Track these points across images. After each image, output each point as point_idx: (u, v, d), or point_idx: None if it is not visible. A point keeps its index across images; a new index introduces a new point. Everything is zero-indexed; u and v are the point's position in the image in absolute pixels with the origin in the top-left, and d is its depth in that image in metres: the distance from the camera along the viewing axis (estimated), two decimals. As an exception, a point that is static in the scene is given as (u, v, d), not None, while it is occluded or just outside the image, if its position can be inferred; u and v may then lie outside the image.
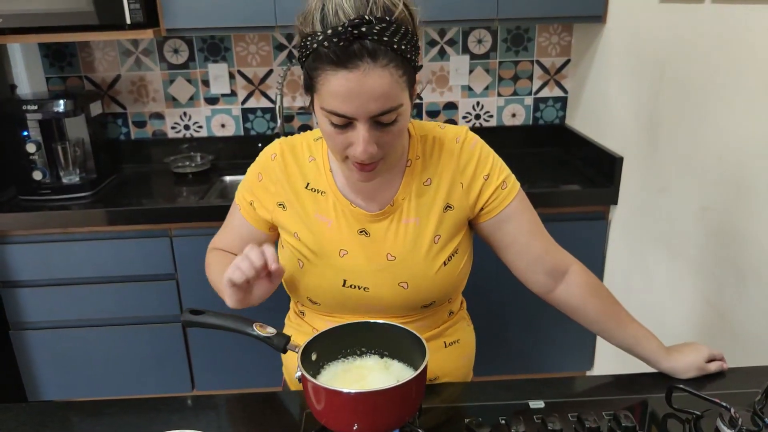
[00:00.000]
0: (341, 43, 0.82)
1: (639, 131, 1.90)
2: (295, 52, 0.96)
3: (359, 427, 0.77)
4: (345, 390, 0.75)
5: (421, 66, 0.93)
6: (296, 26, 0.90)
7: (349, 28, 0.81)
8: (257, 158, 1.13)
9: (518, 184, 1.12)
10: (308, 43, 0.86)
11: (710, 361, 1.07)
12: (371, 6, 0.84)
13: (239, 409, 1.02)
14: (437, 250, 1.07)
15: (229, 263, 0.94)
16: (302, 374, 0.79)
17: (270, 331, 0.86)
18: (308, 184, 1.09)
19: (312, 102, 0.94)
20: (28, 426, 0.98)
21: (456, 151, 1.09)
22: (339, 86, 0.85)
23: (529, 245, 1.11)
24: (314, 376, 0.88)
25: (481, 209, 1.10)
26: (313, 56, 0.86)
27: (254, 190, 1.11)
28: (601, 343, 2.26)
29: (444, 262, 1.08)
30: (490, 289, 2.14)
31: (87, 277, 2.07)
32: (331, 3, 0.84)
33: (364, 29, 0.82)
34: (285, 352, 0.87)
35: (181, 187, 2.26)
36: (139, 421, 0.99)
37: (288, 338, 0.88)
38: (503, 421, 0.96)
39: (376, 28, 0.83)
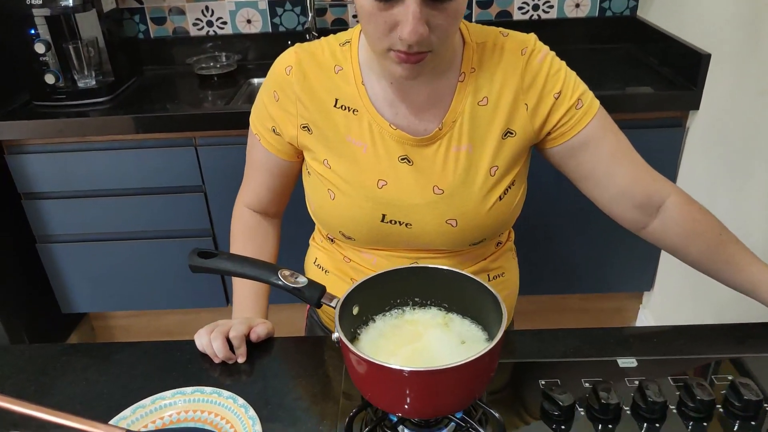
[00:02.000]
0: None
1: (735, 23, 1.59)
2: None
3: (411, 407, 0.60)
4: (396, 367, 0.57)
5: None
6: None
7: None
8: (269, 73, 0.92)
9: (597, 103, 0.90)
10: None
11: None
12: None
13: (265, 358, 0.87)
14: (492, 184, 0.88)
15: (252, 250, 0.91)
16: (341, 341, 0.61)
17: (301, 280, 0.68)
18: (337, 101, 0.88)
19: None
20: (26, 373, 0.85)
21: (520, 65, 0.86)
22: None
23: (612, 175, 0.89)
24: (356, 333, 0.71)
25: (549, 133, 0.89)
26: None
27: (273, 113, 0.92)
28: (666, 260, 2.06)
29: (500, 197, 0.89)
30: (537, 200, 1.92)
31: (110, 189, 1.94)
32: None
33: None
34: (319, 306, 0.69)
35: (205, 90, 2.06)
36: (150, 369, 0.85)
37: (322, 289, 0.69)
38: (588, 385, 0.78)
39: None
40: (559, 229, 2.05)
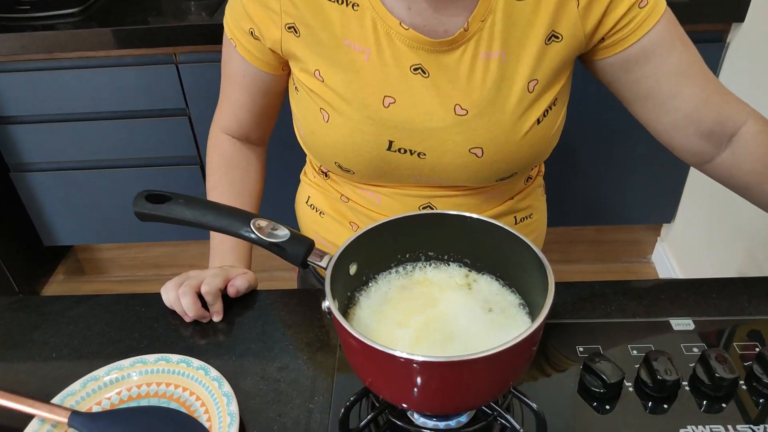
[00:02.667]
0: None
1: None
2: None
3: (423, 400, 0.46)
4: (404, 356, 0.42)
5: None
6: None
7: None
8: None
9: (664, 2, 0.71)
10: None
11: None
12: None
13: (248, 315, 0.73)
14: (530, 102, 0.70)
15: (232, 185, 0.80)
16: (332, 314, 0.46)
17: (281, 233, 0.52)
18: None
19: None
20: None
21: None
22: None
23: (677, 95, 0.72)
24: (354, 298, 0.56)
25: (603, 39, 0.70)
26: None
27: (251, 11, 0.73)
28: (691, 191, 1.91)
29: (538, 120, 0.71)
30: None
31: (84, 113, 1.77)
32: None
33: None
34: (305, 266, 0.53)
35: (186, 0, 1.83)
36: (108, 329, 0.71)
37: (309, 245, 0.53)
38: (636, 353, 0.64)
39: None
40: (576, 158, 1.88)
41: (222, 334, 0.71)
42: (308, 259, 0.52)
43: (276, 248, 0.51)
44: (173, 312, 0.73)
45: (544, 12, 0.68)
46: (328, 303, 0.47)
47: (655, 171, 1.89)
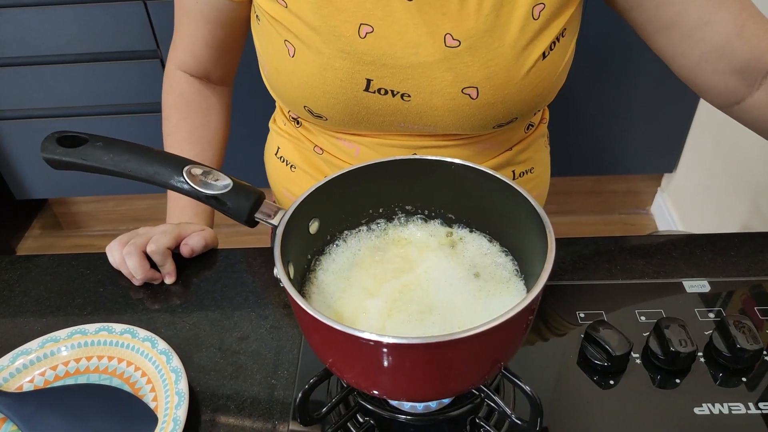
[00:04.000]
0: None
1: None
2: None
3: (396, 390, 0.38)
4: (372, 337, 0.33)
5: None
6: None
7: None
8: None
9: None
10: None
11: None
12: None
13: (206, 278, 0.65)
14: (535, 31, 0.59)
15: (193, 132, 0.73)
16: (283, 285, 0.37)
17: (219, 183, 0.42)
18: None
19: None
20: None
21: None
22: None
23: (708, 23, 0.61)
24: (315, 261, 0.47)
25: None
26: None
27: None
28: (694, 138, 1.82)
29: (543, 53, 0.61)
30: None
31: (48, 56, 1.64)
32: None
33: None
34: (252, 223, 0.44)
35: (155, -71, 1.69)
36: (47, 294, 0.63)
37: (257, 197, 0.43)
38: (644, 319, 0.56)
39: None
40: (573, 103, 1.78)
41: (175, 298, 0.63)
42: (256, 215, 0.43)
43: (214, 201, 0.42)
44: (121, 274, 0.64)
45: None
46: (277, 269, 0.38)
47: (658, 118, 1.80)
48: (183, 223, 0.68)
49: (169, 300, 0.62)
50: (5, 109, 1.75)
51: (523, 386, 0.40)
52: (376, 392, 0.39)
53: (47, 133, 1.61)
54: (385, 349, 0.34)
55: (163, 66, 1.65)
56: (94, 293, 0.63)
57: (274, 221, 0.42)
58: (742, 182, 1.55)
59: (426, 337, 0.33)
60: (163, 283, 0.64)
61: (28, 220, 2.09)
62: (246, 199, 0.42)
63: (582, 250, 0.65)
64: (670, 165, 1.96)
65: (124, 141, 0.45)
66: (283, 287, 0.37)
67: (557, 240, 0.58)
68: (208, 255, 0.67)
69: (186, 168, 0.42)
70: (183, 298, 0.62)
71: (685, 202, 1.94)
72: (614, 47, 1.63)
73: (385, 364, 0.35)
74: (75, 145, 0.44)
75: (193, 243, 0.64)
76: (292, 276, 0.42)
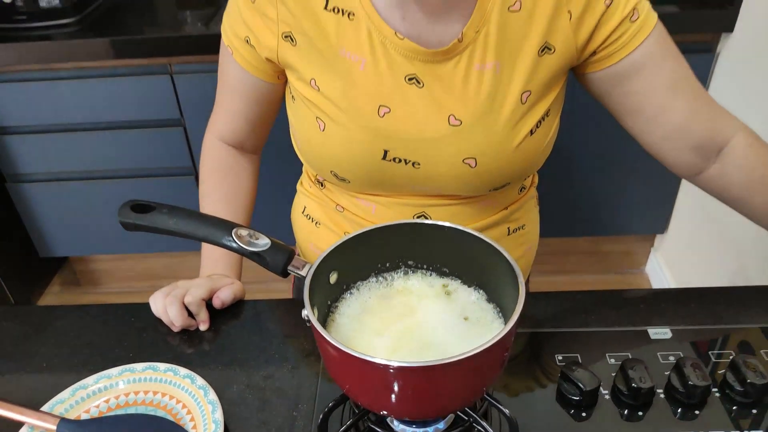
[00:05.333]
0: None
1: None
2: None
3: (400, 406, 0.48)
4: (381, 362, 0.43)
5: None
6: None
7: None
8: None
9: (655, 16, 0.72)
10: None
11: None
12: None
13: (234, 325, 0.74)
14: (523, 113, 0.72)
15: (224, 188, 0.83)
16: (311, 323, 0.47)
17: (261, 242, 0.53)
18: (328, 2, 0.70)
19: None
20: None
21: None
22: None
23: (668, 109, 0.73)
24: (333, 306, 0.57)
25: (595, 53, 0.72)
26: None
27: (248, 20, 0.74)
28: (684, 201, 1.92)
29: (531, 130, 0.72)
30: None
31: (79, 123, 1.78)
32: None
33: None
34: (285, 274, 0.55)
35: (183, 10, 1.86)
36: (97, 339, 0.73)
37: (289, 253, 0.54)
38: (613, 361, 0.66)
39: None
40: (570, 168, 1.90)
41: (208, 343, 0.72)
42: (288, 267, 0.54)
43: (257, 257, 0.52)
44: (161, 321, 0.74)
45: (537, 24, 0.70)
46: (306, 311, 0.49)
47: (648, 181, 1.91)
48: (216, 275, 0.78)
49: (204, 344, 0.72)
50: (36, 172, 1.88)
51: (502, 409, 0.49)
52: (384, 412, 0.48)
53: (74, 195, 1.75)
54: (391, 371, 0.43)
55: (186, 133, 1.79)
56: (139, 338, 0.73)
57: (303, 272, 0.53)
58: (728, 242, 1.64)
59: (423, 362, 0.43)
60: (198, 329, 0.73)
61: (49, 276, 2.18)
62: (281, 255, 0.53)
63: (562, 302, 0.75)
64: (662, 226, 2.06)
65: (184, 208, 0.56)
66: (311, 325, 0.47)
67: (540, 293, 0.68)
68: (237, 305, 0.77)
69: (234, 230, 0.53)
70: (215, 343, 0.72)
71: (676, 262, 2.03)
72: (606, 117, 1.76)
73: (391, 385, 0.44)
74: (145, 211, 0.55)
75: (224, 296, 0.74)
76: (316, 317, 0.52)
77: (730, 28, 1.61)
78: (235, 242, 0.52)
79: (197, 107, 1.74)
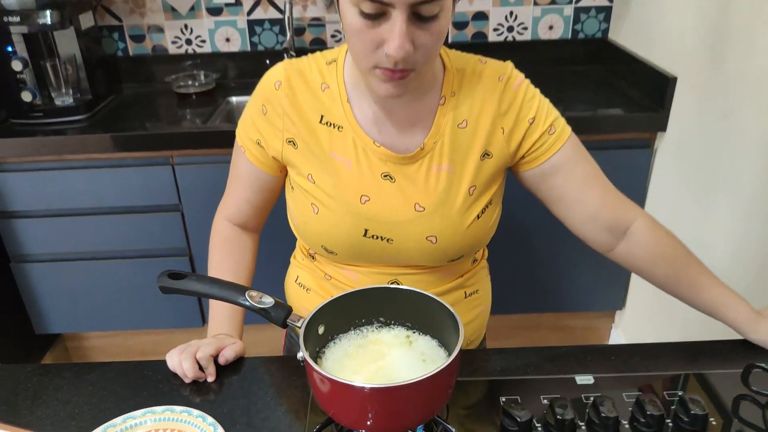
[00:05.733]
0: None
1: (699, 47, 1.65)
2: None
3: (374, 423, 0.63)
4: (358, 384, 0.60)
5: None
6: None
7: None
8: (257, 87, 0.95)
9: (569, 129, 0.94)
10: None
11: None
12: None
13: (235, 378, 0.89)
14: (471, 203, 0.91)
15: (231, 266, 0.98)
16: (305, 360, 0.63)
17: (267, 301, 0.70)
18: (322, 117, 0.91)
19: None
20: (-2, 395, 0.86)
21: (498, 91, 0.91)
22: None
23: (582, 199, 0.94)
24: (321, 351, 0.73)
25: (523, 157, 0.93)
26: None
27: (259, 126, 0.94)
28: (637, 280, 2.10)
29: (477, 215, 0.92)
30: (512, 220, 1.97)
31: (86, 208, 1.94)
32: None
33: None
34: (285, 326, 0.71)
35: (183, 109, 2.08)
36: (121, 388, 0.86)
37: (289, 310, 0.72)
38: (546, 402, 0.81)
39: None
40: (532, 249, 2.08)
41: (214, 393, 0.86)
42: (287, 320, 0.70)
43: (264, 312, 0.69)
44: (175, 374, 0.88)
45: (479, 137, 0.91)
46: (301, 353, 0.65)
47: (603, 260, 2.08)
48: (221, 335, 0.93)
49: (211, 393, 0.86)
50: (40, 252, 2.01)
51: (449, 427, 0.64)
52: (363, 430, 0.63)
53: (73, 274, 1.91)
54: (366, 391, 0.59)
55: (183, 217, 1.95)
56: (156, 388, 0.87)
57: (299, 324, 0.69)
58: (677, 317, 1.81)
59: (388, 384, 0.59)
60: (206, 380, 0.88)
61: (42, 352, 2.25)
62: (282, 311, 0.70)
63: (511, 358, 0.91)
64: (620, 303, 2.22)
65: (207, 276, 0.73)
66: (305, 363, 0.63)
67: (496, 350, 0.84)
68: (239, 361, 0.91)
69: (247, 292, 0.70)
70: (221, 392, 0.86)
71: (636, 336, 2.16)
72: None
73: (367, 404, 0.60)
74: (178, 278, 0.72)
75: (227, 354, 0.89)
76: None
77: (663, 128, 1.85)
78: (248, 301, 0.69)
79: (194, 194, 1.92)
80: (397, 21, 0.74)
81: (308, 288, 1.03)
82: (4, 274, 2.03)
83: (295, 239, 1.07)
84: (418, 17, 0.75)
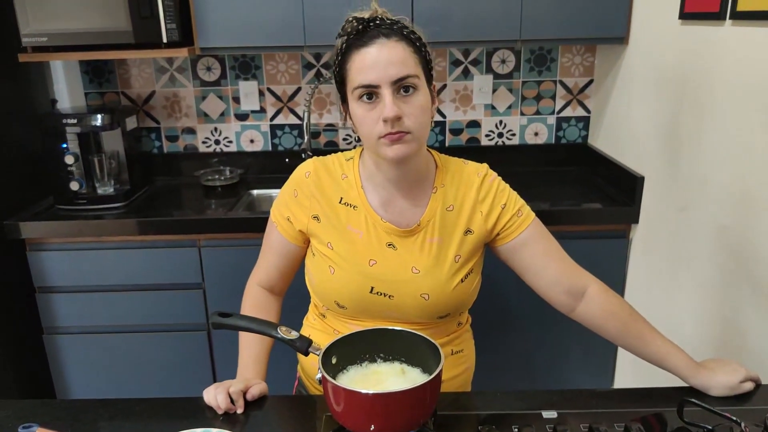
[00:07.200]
0: (360, 28, 1.03)
1: (659, 151, 1.92)
2: (330, 66, 1.13)
3: (375, 427, 0.81)
4: (363, 391, 0.79)
5: (432, 67, 1.10)
6: (335, 48, 1.08)
7: (366, 21, 1.03)
8: (291, 177, 1.20)
9: (533, 214, 1.19)
10: (339, 49, 1.06)
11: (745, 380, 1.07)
12: (383, 15, 1.05)
13: (259, 411, 1.06)
14: (456, 268, 1.14)
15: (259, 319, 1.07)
16: (323, 375, 0.83)
17: (294, 334, 0.91)
18: (341, 198, 1.16)
19: (347, 106, 1.07)
20: (62, 420, 1.04)
21: (476, 183, 1.17)
22: (362, 60, 1.02)
23: (546, 268, 1.16)
24: (334, 378, 0.92)
25: (498, 234, 1.17)
26: (342, 52, 1.05)
27: (290, 206, 1.18)
28: (621, 358, 2.26)
29: (461, 279, 1.14)
30: (505, 303, 2.16)
31: (118, 285, 2.13)
32: (353, 16, 1.06)
33: (378, 21, 1.03)
34: (307, 354, 0.92)
35: (210, 199, 2.33)
36: (165, 418, 1.04)
37: (310, 341, 0.93)
38: (516, 429, 0.98)
39: (387, 21, 1.04)
40: (520, 327, 2.24)
41: (242, 423, 1.04)
42: (309, 349, 0.90)
43: (291, 342, 0.89)
44: (210, 408, 1.06)
45: (462, 217, 1.15)
46: (320, 374, 0.84)
47: (587, 339, 2.22)
48: (249, 377, 1.12)
49: (240, 422, 1.03)
50: (72, 325, 2.19)
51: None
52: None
53: (100, 346, 2.13)
54: (370, 395, 0.78)
55: (204, 295, 2.14)
56: (194, 417, 1.04)
57: (318, 353, 0.89)
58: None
59: (387, 390, 0.78)
60: (235, 413, 1.05)
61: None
62: (305, 342, 0.91)
63: (491, 399, 1.09)
64: (608, 382, 2.35)
65: (248, 315, 0.93)
66: (323, 379, 0.82)
67: (476, 392, 1.03)
68: (262, 398, 1.09)
69: (279, 327, 0.90)
70: (247, 423, 1.04)
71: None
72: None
73: (368, 408, 0.78)
74: (226, 316, 0.92)
75: (254, 391, 1.07)
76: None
77: (636, 220, 2.08)
78: (279, 334, 0.90)
79: (217, 274, 2.12)
80: (386, 95, 1.00)
81: None
82: (36, 344, 2.19)
83: (306, 302, 1.27)
84: (400, 92, 1.01)
